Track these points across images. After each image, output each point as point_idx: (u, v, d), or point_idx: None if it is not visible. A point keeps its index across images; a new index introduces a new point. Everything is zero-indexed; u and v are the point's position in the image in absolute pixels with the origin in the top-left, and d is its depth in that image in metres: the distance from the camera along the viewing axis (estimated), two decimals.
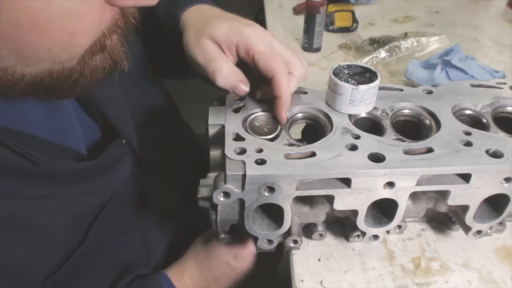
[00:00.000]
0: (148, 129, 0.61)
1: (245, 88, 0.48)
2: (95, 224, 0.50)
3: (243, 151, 0.43)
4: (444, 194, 0.46)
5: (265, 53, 0.47)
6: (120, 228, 0.57)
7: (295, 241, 0.49)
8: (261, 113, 0.50)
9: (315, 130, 0.51)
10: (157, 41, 0.65)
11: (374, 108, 0.51)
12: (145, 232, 0.64)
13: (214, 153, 0.49)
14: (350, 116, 0.50)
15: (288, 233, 0.48)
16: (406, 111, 0.52)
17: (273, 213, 0.46)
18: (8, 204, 0.41)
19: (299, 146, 0.45)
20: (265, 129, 0.48)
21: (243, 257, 0.59)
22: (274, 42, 0.49)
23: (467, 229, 0.49)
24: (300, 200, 0.48)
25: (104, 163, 0.50)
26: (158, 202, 0.66)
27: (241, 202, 0.44)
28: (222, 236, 0.53)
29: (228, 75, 0.47)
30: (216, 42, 0.49)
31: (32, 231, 0.44)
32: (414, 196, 0.49)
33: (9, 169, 0.41)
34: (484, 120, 0.51)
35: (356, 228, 0.48)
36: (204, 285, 0.60)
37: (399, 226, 0.52)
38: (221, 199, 0.42)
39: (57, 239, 0.47)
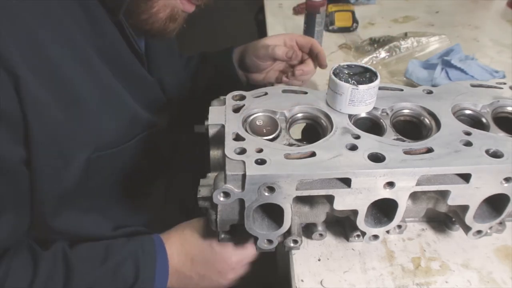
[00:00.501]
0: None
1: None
2: (138, 136, 0.61)
3: (243, 151, 0.43)
4: (444, 194, 0.46)
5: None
6: (143, 182, 0.66)
7: (295, 241, 0.49)
8: (261, 114, 0.50)
9: (315, 130, 0.51)
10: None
11: (374, 108, 0.51)
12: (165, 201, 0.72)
13: (214, 153, 0.49)
14: (350, 116, 0.50)
15: (288, 233, 0.48)
16: (406, 111, 0.52)
17: (273, 213, 0.46)
18: None
19: (299, 146, 0.45)
20: (265, 129, 0.48)
21: (226, 244, 0.59)
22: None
23: (467, 229, 0.49)
24: (300, 200, 0.48)
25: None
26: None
27: (241, 202, 0.44)
28: (222, 236, 0.53)
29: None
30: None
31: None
32: (414, 196, 0.49)
33: None
34: (484, 120, 0.51)
35: (356, 228, 0.48)
36: (180, 259, 0.59)
37: (399, 226, 0.52)
38: (221, 199, 0.42)
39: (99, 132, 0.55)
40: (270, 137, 0.47)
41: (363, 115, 0.51)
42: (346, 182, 0.43)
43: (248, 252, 0.58)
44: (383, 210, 0.48)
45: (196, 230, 0.60)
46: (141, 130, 0.61)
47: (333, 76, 0.48)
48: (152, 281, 0.57)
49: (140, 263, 0.56)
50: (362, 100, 0.48)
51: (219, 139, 0.48)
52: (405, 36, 1.00)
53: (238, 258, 0.58)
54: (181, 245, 0.60)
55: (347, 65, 0.50)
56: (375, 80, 0.48)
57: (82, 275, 0.54)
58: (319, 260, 0.51)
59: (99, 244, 0.58)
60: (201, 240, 0.59)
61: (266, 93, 0.53)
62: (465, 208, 0.47)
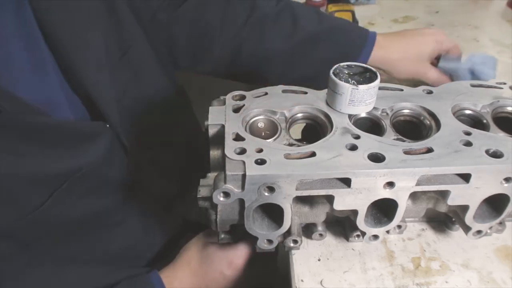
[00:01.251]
0: (143, 120, 0.62)
1: None
2: (56, 192, 0.48)
3: (243, 151, 0.43)
4: (444, 194, 0.46)
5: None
6: (101, 215, 0.56)
7: (295, 241, 0.49)
8: (261, 117, 0.50)
9: (315, 130, 0.51)
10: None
11: (374, 108, 0.51)
12: (135, 223, 0.63)
13: (214, 153, 0.49)
14: (350, 116, 0.50)
15: (288, 233, 0.48)
16: (406, 111, 0.52)
17: (273, 213, 0.46)
18: None
19: (299, 146, 0.45)
20: (265, 132, 0.48)
21: (236, 266, 0.59)
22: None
23: (467, 229, 0.49)
24: (300, 200, 0.48)
25: (72, 128, 0.51)
26: (148, 192, 0.65)
27: (241, 202, 0.44)
28: (222, 236, 0.53)
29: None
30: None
31: None
32: (414, 196, 0.49)
33: None
34: (484, 120, 0.51)
35: (356, 228, 0.48)
36: None
37: (399, 226, 0.52)
38: (221, 199, 0.42)
39: (15, 197, 0.46)
40: (270, 140, 0.47)
41: (363, 115, 0.51)
42: (346, 182, 0.43)
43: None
44: (383, 210, 0.48)
45: (202, 255, 0.60)
46: (55, 185, 0.48)
47: (333, 76, 0.48)
48: None
49: None
50: (362, 100, 0.48)
51: (219, 139, 0.48)
52: None
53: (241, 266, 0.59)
54: (191, 279, 0.60)
55: (347, 65, 0.50)
56: (375, 80, 0.48)
57: None
58: (319, 260, 0.51)
59: None
60: (210, 267, 0.59)
61: (266, 93, 0.53)
62: (465, 208, 0.47)
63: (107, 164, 0.55)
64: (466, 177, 0.44)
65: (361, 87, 0.47)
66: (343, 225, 0.54)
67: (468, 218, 0.48)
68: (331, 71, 0.49)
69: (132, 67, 0.61)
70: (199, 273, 0.60)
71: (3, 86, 0.44)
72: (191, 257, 0.61)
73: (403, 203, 0.45)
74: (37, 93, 0.48)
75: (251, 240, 0.49)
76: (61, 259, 0.55)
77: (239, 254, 0.59)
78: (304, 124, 0.53)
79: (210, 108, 0.51)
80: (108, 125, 0.55)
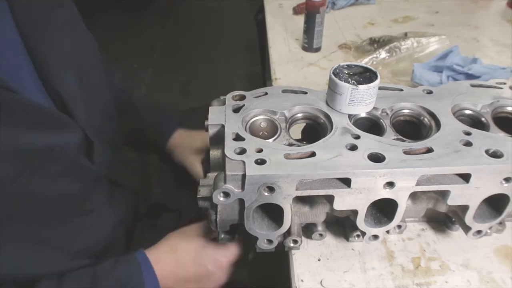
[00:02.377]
0: (109, 123, 0.70)
1: None
2: (30, 169, 0.51)
3: (243, 151, 0.43)
4: (444, 194, 0.46)
5: None
6: (72, 200, 0.59)
7: (295, 241, 0.49)
8: (261, 117, 0.50)
9: (315, 130, 0.51)
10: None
11: (374, 108, 0.51)
12: (106, 215, 0.66)
13: (214, 153, 0.49)
14: (350, 116, 0.50)
15: (288, 233, 0.48)
16: (406, 111, 0.52)
17: (273, 213, 0.46)
18: None
19: (299, 146, 0.46)
20: (264, 132, 0.48)
21: (221, 265, 0.60)
22: None
23: (467, 229, 0.49)
24: (300, 200, 0.48)
25: (44, 112, 0.54)
26: (117, 185, 0.69)
27: (241, 202, 0.44)
28: (222, 236, 0.53)
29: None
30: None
31: None
32: (414, 196, 0.49)
33: None
34: (484, 120, 0.51)
35: (356, 228, 0.48)
36: (172, 281, 0.60)
37: (399, 226, 0.52)
38: (221, 199, 0.42)
39: None
40: (270, 141, 0.47)
41: (363, 115, 0.51)
42: (346, 182, 0.43)
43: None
44: (383, 210, 0.48)
45: (191, 247, 0.60)
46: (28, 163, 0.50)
47: (333, 76, 0.48)
48: None
49: None
50: (362, 100, 0.48)
51: (219, 139, 0.48)
52: (405, 36, 1.00)
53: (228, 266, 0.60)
54: (173, 267, 0.60)
55: (347, 65, 0.50)
56: (375, 80, 0.48)
57: None
58: (319, 260, 0.51)
59: (85, 273, 0.57)
60: (195, 261, 0.60)
61: (266, 93, 0.53)
62: (465, 208, 0.47)
63: (77, 152, 0.59)
64: (466, 177, 0.44)
65: (361, 87, 0.47)
66: (343, 225, 0.54)
67: (468, 218, 0.48)
68: (331, 71, 0.49)
69: (94, 75, 0.70)
70: (182, 263, 0.60)
71: None
72: (178, 245, 0.62)
73: (403, 203, 0.45)
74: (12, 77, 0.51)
75: (244, 242, 0.49)
76: (32, 241, 0.56)
77: (226, 254, 0.59)
78: (304, 124, 0.53)
79: (210, 108, 0.51)
80: (76, 122, 0.59)
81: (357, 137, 0.46)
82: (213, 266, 0.60)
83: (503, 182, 0.44)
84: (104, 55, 0.81)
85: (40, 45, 0.56)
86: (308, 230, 0.53)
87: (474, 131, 0.47)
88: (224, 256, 0.60)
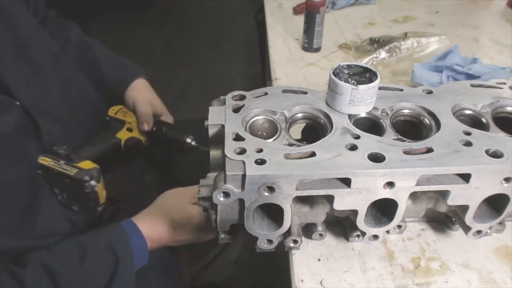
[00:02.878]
0: (64, 116, 0.71)
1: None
2: None
3: (243, 151, 0.43)
4: (444, 194, 0.46)
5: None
6: (20, 185, 0.60)
7: (295, 241, 0.49)
8: (261, 117, 0.50)
9: (315, 130, 0.51)
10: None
11: (374, 108, 0.51)
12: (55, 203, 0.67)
13: (214, 153, 0.49)
14: (350, 116, 0.50)
15: (288, 233, 0.48)
16: (406, 111, 0.52)
17: (273, 213, 0.46)
18: None
19: (299, 146, 0.45)
20: (264, 132, 0.48)
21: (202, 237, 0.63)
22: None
23: (467, 229, 0.49)
24: (300, 200, 0.48)
25: None
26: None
27: (241, 202, 0.44)
28: (222, 236, 0.53)
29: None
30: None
31: None
32: (414, 196, 0.49)
33: None
34: (484, 120, 0.51)
35: (356, 228, 0.48)
36: (169, 240, 0.64)
37: (399, 226, 0.52)
38: (221, 199, 0.42)
39: None
40: (270, 140, 0.47)
41: (363, 115, 0.51)
42: (346, 182, 0.43)
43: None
44: (383, 210, 0.48)
45: (186, 215, 0.62)
46: None
47: (333, 76, 0.48)
48: (132, 258, 0.59)
49: (117, 251, 0.57)
50: (362, 100, 0.48)
51: (218, 139, 0.48)
52: (405, 36, 1.00)
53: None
54: (169, 233, 0.63)
55: (347, 65, 0.50)
56: (375, 80, 0.48)
57: (66, 278, 0.55)
58: (319, 260, 0.51)
59: (72, 243, 0.59)
60: (189, 227, 0.62)
61: (266, 93, 0.53)
62: (465, 208, 0.47)
63: (21, 137, 0.61)
64: (466, 177, 0.44)
65: (361, 87, 0.47)
66: (343, 225, 0.54)
67: (468, 218, 0.48)
68: (331, 71, 0.49)
69: (33, 63, 0.69)
70: (179, 233, 0.63)
71: None
72: (174, 219, 0.63)
73: (403, 203, 0.45)
74: None
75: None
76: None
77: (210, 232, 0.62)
78: (304, 124, 0.53)
79: (210, 108, 0.51)
80: (18, 103, 0.61)
81: (357, 137, 0.46)
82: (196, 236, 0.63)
83: (503, 182, 0.44)
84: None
85: None
86: (308, 230, 0.53)
87: (474, 131, 0.47)
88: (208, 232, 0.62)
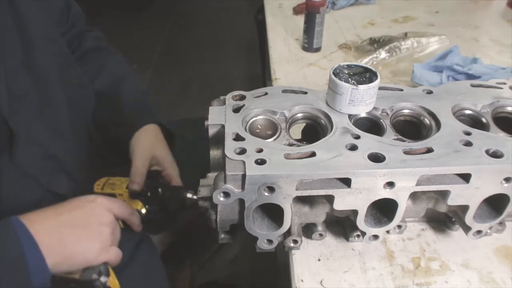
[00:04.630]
0: (40, 118, 0.65)
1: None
2: None
3: (243, 151, 0.43)
4: (444, 194, 0.46)
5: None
6: None
7: (295, 241, 0.49)
8: (261, 117, 0.50)
9: (315, 130, 0.51)
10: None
11: (374, 108, 0.51)
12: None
13: (214, 153, 0.49)
14: (350, 116, 0.50)
15: (288, 233, 0.48)
16: (406, 111, 0.52)
17: (273, 213, 0.46)
18: None
19: (299, 146, 0.45)
20: (265, 132, 0.48)
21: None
22: None
23: (467, 229, 0.49)
24: (300, 200, 0.48)
25: None
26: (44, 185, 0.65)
27: (241, 202, 0.44)
28: (222, 236, 0.53)
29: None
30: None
31: None
32: (414, 196, 0.49)
33: None
34: (484, 120, 0.51)
35: (356, 228, 0.48)
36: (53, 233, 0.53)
37: (399, 226, 0.52)
38: (221, 199, 0.42)
39: None
40: (270, 140, 0.47)
41: (363, 115, 0.51)
42: (346, 182, 0.43)
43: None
44: (383, 210, 0.48)
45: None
46: None
47: (333, 76, 0.48)
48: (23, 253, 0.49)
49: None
50: (362, 100, 0.48)
51: (219, 139, 0.48)
52: (405, 36, 1.00)
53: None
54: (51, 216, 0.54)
55: (347, 65, 0.50)
56: (375, 80, 0.48)
57: None
58: (319, 260, 0.51)
59: None
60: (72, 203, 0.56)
61: (266, 93, 0.53)
62: (465, 208, 0.47)
63: None
64: (466, 177, 0.44)
65: (361, 87, 0.47)
66: (343, 225, 0.54)
67: (468, 218, 0.48)
68: (331, 71, 0.49)
69: (35, 72, 0.65)
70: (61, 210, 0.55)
71: None
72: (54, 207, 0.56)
73: (403, 203, 0.45)
74: None
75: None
76: None
77: (114, 253, 0.56)
78: (304, 124, 0.53)
79: (210, 108, 0.51)
80: None
81: (357, 137, 0.46)
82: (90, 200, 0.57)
83: (503, 182, 0.44)
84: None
85: None
86: (308, 230, 0.53)
87: (474, 131, 0.47)
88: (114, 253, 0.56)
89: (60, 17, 0.77)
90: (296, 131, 0.53)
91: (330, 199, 0.45)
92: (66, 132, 0.71)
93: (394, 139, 0.47)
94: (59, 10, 0.76)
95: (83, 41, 0.83)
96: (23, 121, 0.61)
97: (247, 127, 0.48)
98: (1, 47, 0.61)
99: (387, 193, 0.44)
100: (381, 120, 0.50)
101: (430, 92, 0.54)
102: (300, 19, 1.04)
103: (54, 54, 0.72)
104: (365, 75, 0.49)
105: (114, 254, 0.56)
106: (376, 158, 0.43)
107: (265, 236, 0.47)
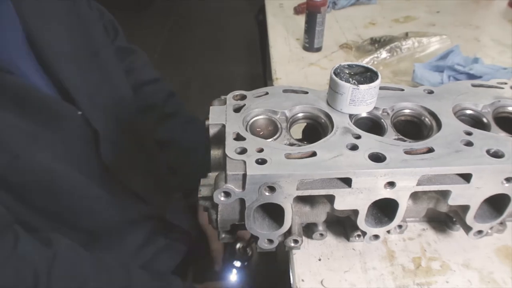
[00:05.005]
0: (116, 118, 0.69)
1: None
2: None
3: (243, 151, 0.43)
4: (444, 194, 0.46)
5: None
6: (78, 187, 0.62)
7: (296, 241, 0.49)
8: (262, 117, 0.50)
9: (315, 130, 0.51)
10: None
11: (375, 108, 0.51)
12: (112, 207, 0.68)
13: (215, 153, 0.49)
14: (350, 116, 0.50)
15: (289, 232, 0.48)
16: (407, 111, 0.52)
17: (274, 212, 0.46)
18: None
19: (299, 145, 0.45)
20: (265, 132, 0.48)
21: None
22: None
23: (467, 229, 0.49)
24: (301, 199, 0.48)
25: (48, 99, 0.57)
26: (124, 182, 0.69)
27: (242, 201, 0.44)
28: (223, 235, 0.53)
29: None
30: None
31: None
32: (414, 196, 0.49)
33: None
34: (485, 120, 0.51)
35: (356, 228, 0.48)
36: None
37: (400, 226, 0.52)
38: (222, 198, 0.42)
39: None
40: (271, 140, 0.47)
41: (364, 115, 0.51)
42: (347, 182, 0.43)
43: None
44: (384, 210, 0.48)
45: None
46: None
47: (334, 76, 0.48)
48: None
49: None
50: (363, 100, 0.48)
51: (219, 139, 0.48)
52: (406, 36, 1.00)
53: None
54: None
55: (348, 64, 0.50)
56: (376, 80, 0.48)
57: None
58: (319, 260, 0.51)
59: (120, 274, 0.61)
60: None
61: (267, 93, 0.53)
62: (465, 208, 0.47)
63: (80, 143, 0.62)
64: (467, 177, 0.44)
65: (362, 87, 0.47)
66: (343, 225, 0.54)
67: (469, 218, 0.48)
68: (332, 71, 0.49)
69: (101, 70, 0.69)
70: None
71: None
72: None
73: (404, 203, 0.45)
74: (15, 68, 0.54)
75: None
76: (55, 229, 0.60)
77: None
78: (305, 124, 0.53)
79: (210, 107, 0.51)
80: (80, 112, 0.61)
81: (358, 137, 0.46)
82: None
83: (504, 182, 0.44)
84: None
85: (41, 34, 0.57)
86: (308, 230, 0.53)
87: (475, 131, 0.47)
88: None
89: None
90: (297, 130, 0.53)
91: (330, 199, 0.45)
92: (131, 128, 0.74)
93: (395, 139, 0.47)
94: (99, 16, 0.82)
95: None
96: (100, 119, 0.64)
97: (248, 127, 0.48)
98: (73, 46, 0.63)
99: (387, 193, 0.44)
100: (382, 120, 0.50)
101: (431, 92, 0.54)
102: (301, 19, 1.04)
103: (113, 54, 0.76)
104: (366, 75, 0.49)
105: None
106: (377, 158, 0.43)
107: (265, 235, 0.47)
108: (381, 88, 0.51)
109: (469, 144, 0.45)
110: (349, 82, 0.47)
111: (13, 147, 0.52)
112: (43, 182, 0.56)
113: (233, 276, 0.79)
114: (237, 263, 0.80)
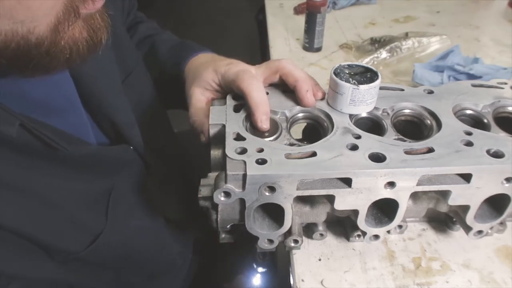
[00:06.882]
0: (151, 137, 0.63)
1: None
2: (109, 208, 0.53)
3: (243, 151, 0.43)
4: (445, 194, 0.46)
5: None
6: (147, 235, 0.61)
7: (296, 241, 0.49)
8: None
9: (315, 130, 0.51)
10: (162, 83, 0.71)
11: (375, 108, 0.51)
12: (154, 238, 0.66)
13: (215, 153, 0.49)
14: (351, 116, 0.50)
15: (289, 232, 0.48)
16: (407, 111, 0.52)
17: (274, 212, 0.46)
18: (32, 180, 0.44)
19: (299, 146, 0.45)
20: (266, 132, 0.48)
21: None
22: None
23: (468, 229, 0.49)
24: (301, 199, 0.48)
25: (110, 154, 0.55)
26: (162, 212, 0.67)
27: (242, 201, 0.44)
28: (223, 235, 0.53)
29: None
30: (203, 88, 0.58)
31: (54, 208, 0.46)
32: (415, 196, 0.49)
33: (30, 151, 0.43)
34: (485, 120, 0.51)
35: (356, 228, 0.48)
36: None
37: (400, 226, 0.52)
38: (222, 198, 0.42)
39: (80, 221, 0.50)
40: (271, 139, 0.47)
41: (364, 115, 0.51)
42: (347, 182, 0.43)
43: None
44: (384, 210, 0.48)
45: None
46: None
47: (334, 76, 0.48)
48: None
49: None
50: (363, 100, 0.48)
51: (219, 139, 0.48)
52: (406, 36, 1.00)
53: None
54: None
55: (348, 64, 0.50)
56: (376, 80, 0.48)
57: None
58: (319, 260, 0.51)
59: None
60: None
61: (267, 93, 0.53)
62: (466, 208, 0.47)
63: (137, 186, 0.59)
64: (467, 177, 0.44)
65: (362, 87, 0.47)
66: (343, 225, 0.54)
67: (469, 218, 0.48)
68: (332, 71, 0.49)
69: (134, 89, 0.63)
70: None
71: (55, 125, 0.46)
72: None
73: (404, 203, 0.45)
74: (71, 127, 0.50)
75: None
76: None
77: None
78: (305, 124, 0.53)
79: (211, 107, 0.51)
80: (131, 147, 0.58)
81: (358, 137, 0.46)
82: None
83: (504, 182, 0.44)
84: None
85: (89, 80, 0.51)
86: (309, 230, 0.53)
87: (475, 131, 0.47)
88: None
89: (121, 6, 0.72)
90: (297, 131, 0.53)
91: (331, 199, 0.45)
92: (153, 121, 0.70)
93: (395, 139, 0.47)
94: (120, 1, 0.71)
95: (136, 32, 0.78)
96: (148, 149, 0.61)
97: (248, 127, 0.48)
98: (115, 77, 0.58)
99: (388, 193, 0.44)
100: (382, 120, 0.50)
101: (431, 92, 0.54)
102: (301, 19, 1.04)
103: (134, 48, 0.70)
104: (366, 75, 0.49)
105: None
106: (377, 158, 0.43)
107: (266, 236, 0.47)
108: (381, 88, 0.51)
109: (469, 144, 0.45)
110: (349, 82, 0.47)
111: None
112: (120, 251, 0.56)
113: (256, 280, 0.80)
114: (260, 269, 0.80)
